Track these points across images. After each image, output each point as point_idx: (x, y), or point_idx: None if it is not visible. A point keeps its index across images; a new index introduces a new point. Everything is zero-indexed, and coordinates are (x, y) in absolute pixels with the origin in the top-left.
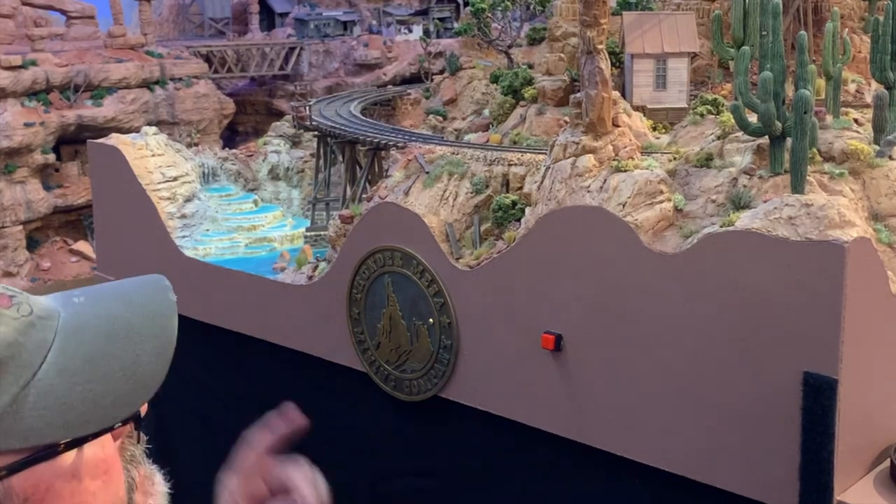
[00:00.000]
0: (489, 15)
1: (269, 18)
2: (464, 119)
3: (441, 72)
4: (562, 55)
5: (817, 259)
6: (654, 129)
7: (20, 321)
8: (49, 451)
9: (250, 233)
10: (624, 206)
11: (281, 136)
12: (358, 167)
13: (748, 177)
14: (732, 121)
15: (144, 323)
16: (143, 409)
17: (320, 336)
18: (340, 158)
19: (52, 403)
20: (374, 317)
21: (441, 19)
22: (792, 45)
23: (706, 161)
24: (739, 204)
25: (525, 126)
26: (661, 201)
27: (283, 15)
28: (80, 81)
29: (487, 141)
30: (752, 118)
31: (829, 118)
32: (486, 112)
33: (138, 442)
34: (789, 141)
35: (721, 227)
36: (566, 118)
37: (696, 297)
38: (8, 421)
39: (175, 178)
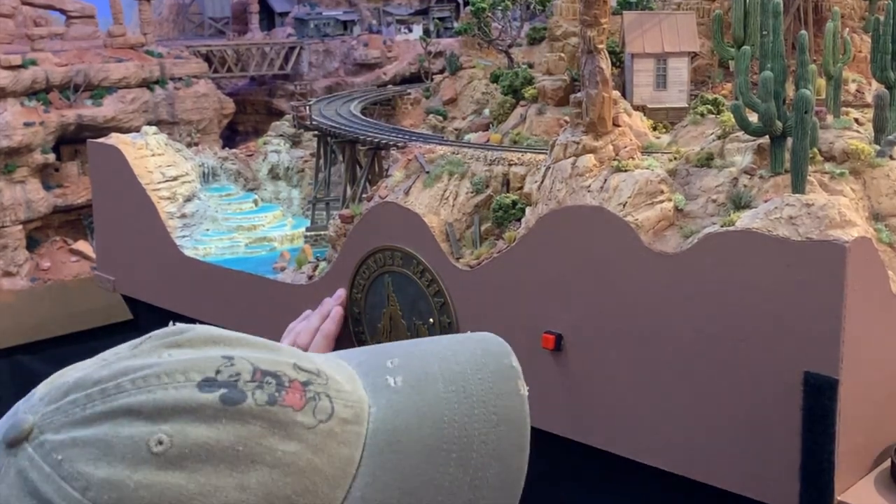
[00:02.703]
0: (489, 14)
1: (269, 18)
2: (464, 119)
3: (441, 71)
4: (562, 55)
5: (818, 259)
6: (655, 128)
7: (317, 433)
8: None
9: (250, 232)
10: (624, 205)
11: (281, 135)
12: (358, 167)
13: (749, 176)
14: (733, 120)
15: (485, 434)
16: None
17: None
18: (340, 158)
19: None
20: (374, 317)
21: (441, 19)
22: (792, 45)
23: (706, 161)
24: (740, 204)
25: (525, 126)
26: (662, 201)
27: (283, 14)
28: (79, 81)
29: (488, 141)
30: (753, 118)
31: (829, 118)
32: (487, 112)
33: None
34: (790, 141)
35: (721, 226)
36: (566, 118)
37: (697, 296)
38: None
39: (175, 178)
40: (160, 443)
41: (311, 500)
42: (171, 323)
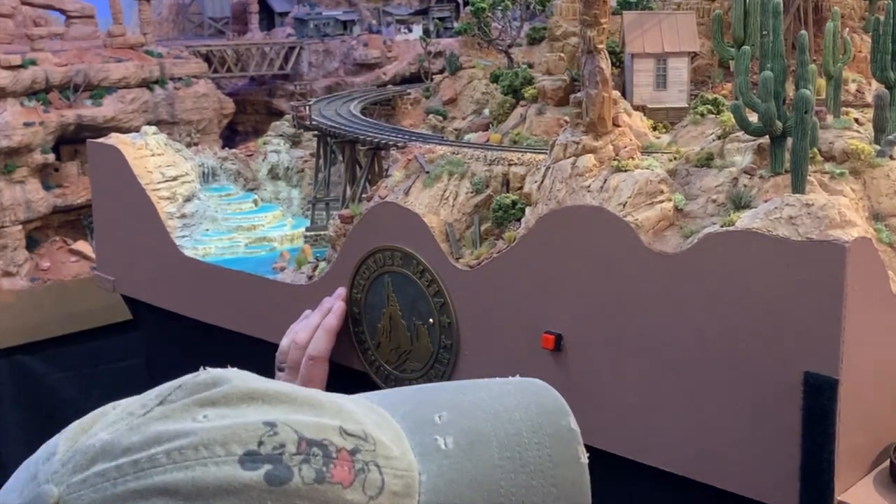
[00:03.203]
0: (489, 14)
1: (269, 18)
2: (464, 119)
3: (441, 71)
4: (562, 55)
5: (818, 259)
6: (655, 128)
7: (382, 490)
8: None
9: (250, 232)
10: (624, 205)
11: (281, 135)
12: (358, 167)
13: (749, 176)
14: (733, 120)
15: (542, 499)
16: None
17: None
18: (340, 158)
19: None
20: (374, 317)
21: (441, 19)
22: (792, 45)
23: (706, 161)
24: (740, 204)
25: (525, 126)
26: (662, 201)
27: (283, 14)
28: (79, 81)
29: (487, 141)
30: (753, 118)
31: (829, 118)
32: (486, 112)
33: None
34: (790, 141)
35: (721, 226)
36: (566, 118)
37: (696, 296)
38: None
39: (175, 178)
40: None
41: None
42: (201, 368)
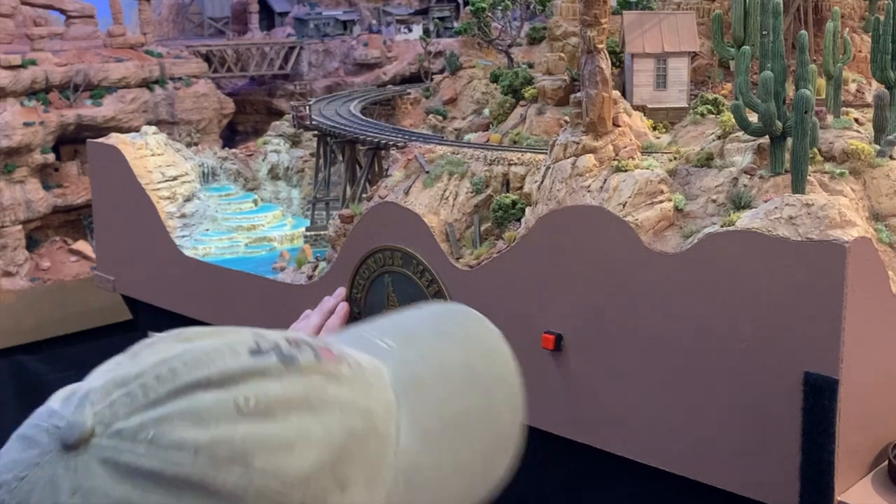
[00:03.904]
0: (489, 14)
1: (269, 18)
2: (464, 119)
3: (441, 71)
4: (562, 55)
5: (818, 259)
6: (655, 128)
7: (359, 381)
8: None
9: (250, 232)
10: (624, 205)
11: (281, 135)
12: (358, 167)
13: (749, 176)
14: (733, 120)
15: (483, 363)
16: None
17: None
18: (340, 158)
19: (427, 483)
20: (374, 317)
21: (441, 19)
22: (792, 45)
23: (706, 161)
24: (740, 204)
25: (525, 126)
26: (662, 201)
27: (283, 14)
28: (79, 81)
29: (487, 140)
30: (753, 118)
31: (829, 118)
32: (486, 112)
33: None
34: (790, 141)
35: (721, 226)
36: (566, 118)
37: (696, 297)
38: None
39: (175, 178)
40: (246, 400)
41: (376, 437)
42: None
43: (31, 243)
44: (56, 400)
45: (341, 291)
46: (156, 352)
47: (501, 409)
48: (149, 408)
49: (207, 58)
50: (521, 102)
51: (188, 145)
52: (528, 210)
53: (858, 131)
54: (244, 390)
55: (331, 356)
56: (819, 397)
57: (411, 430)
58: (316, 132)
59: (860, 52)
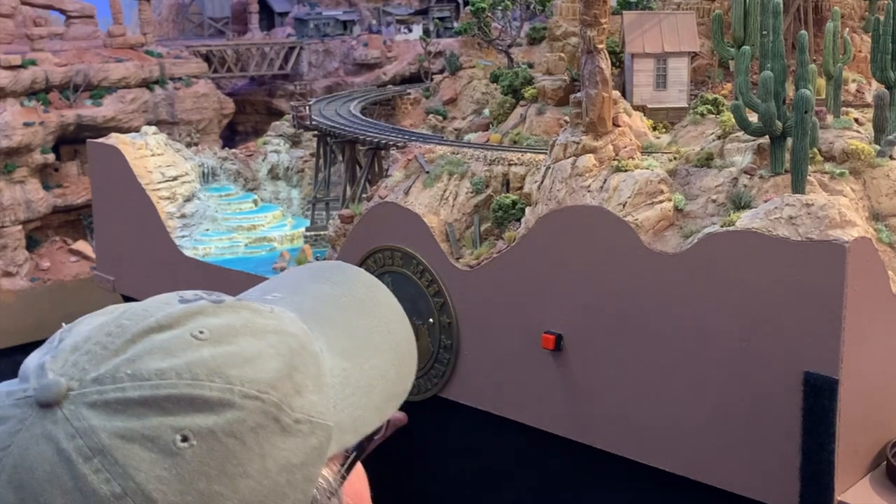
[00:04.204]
0: (489, 14)
1: (269, 18)
2: (464, 119)
3: (441, 71)
4: (562, 55)
5: (818, 259)
6: (655, 128)
7: (275, 314)
8: (363, 444)
9: (250, 232)
10: (624, 205)
11: (281, 135)
12: (358, 167)
13: (749, 176)
14: (733, 120)
15: (370, 296)
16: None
17: None
18: (340, 158)
19: (358, 389)
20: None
21: (441, 19)
22: (792, 45)
23: (706, 161)
24: (740, 204)
25: (525, 126)
26: (662, 201)
27: (283, 14)
28: (79, 81)
29: (487, 141)
30: (753, 118)
31: (829, 118)
32: (486, 112)
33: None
34: (790, 141)
35: (721, 226)
36: (566, 118)
37: (697, 296)
38: (335, 416)
39: (175, 178)
40: (201, 332)
41: (310, 354)
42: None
43: (31, 243)
44: (3, 386)
45: None
46: (91, 322)
47: (395, 327)
48: (114, 356)
49: (207, 58)
50: (521, 102)
51: (188, 145)
52: (528, 210)
53: (858, 131)
54: (192, 326)
55: (255, 304)
56: (819, 397)
57: (329, 350)
58: (316, 132)
59: (860, 52)
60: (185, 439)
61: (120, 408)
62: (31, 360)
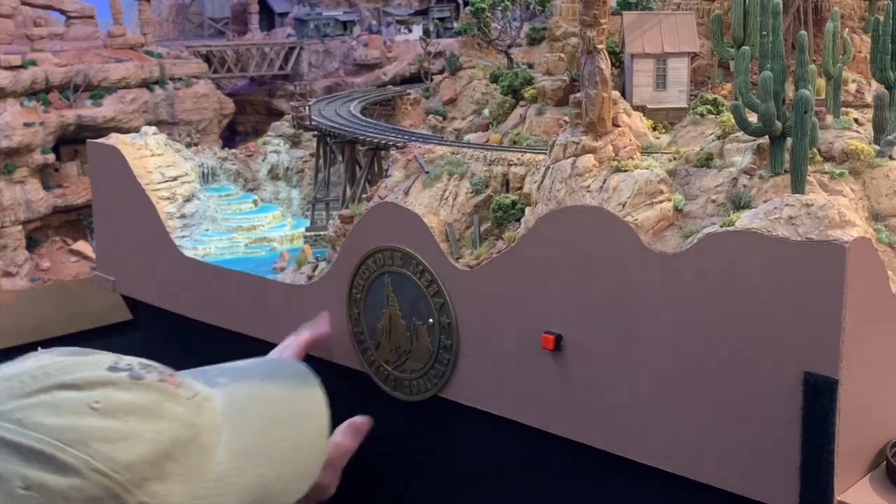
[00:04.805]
0: (489, 15)
1: (269, 18)
2: (464, 119)
3: (441, 72)
4: (562, 55)
5: (817, 259)
6: (654, 128)
7: (192, 403)
8: None
9: (250, 233)
10: (624, 205)
11: (281, 135)
12: (358, 167)
13: (748, 177)
14: (732, 121)
15: (300, 405)
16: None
17: None
18: (340, 158)
19: (229, 490)
20: (373, 317)
21: (441, 19)
22: (792, 45)
23: (706, 161)
24: (739, 204)
25: (525, 126)
26: (661, 201)
27: (283, 15)
28: (79, 81)
29: (487, 141)
30: (753, 118)
31: (829, 118)
32: (486, 112)
33: None
34: (789, 141)
35: (721, 227)
36: (566, 118)
37: (697, 297)
38: None
39: (175, 178)
40: (97, 402)
41: (199, 447)
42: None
43: (32, 243)
44: None
45: (326, 316)
46: (37, 359)
47: (306, 448)
48: (24, 397)
49: (207, 58)
50: (521, 103)
51: (188, 146)
52: (527, 210)
53: (858, 131)
54: (95, 394)
55: (173, 381)
56: (819, 397)
57: (228, 447)
58: (316, 132)
59: (860, 52)
60: (27, 488)
61: (1, 444)
62: None
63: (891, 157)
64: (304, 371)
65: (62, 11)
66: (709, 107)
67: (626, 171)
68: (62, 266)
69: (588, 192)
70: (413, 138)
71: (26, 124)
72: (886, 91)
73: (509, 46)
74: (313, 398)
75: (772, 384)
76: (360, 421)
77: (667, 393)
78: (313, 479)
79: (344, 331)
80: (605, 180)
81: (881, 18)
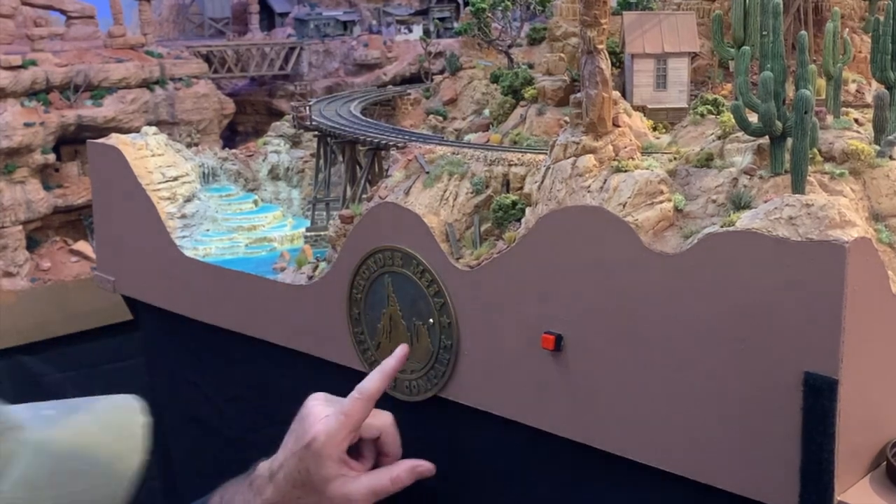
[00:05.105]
0: (489, 15)
1: (269, 18)
2: (464, 119)
3: (441, 72)
4: (562, 55)
5: (818, 259)
6: (655, 129)
7: (2, 435)
8: None
9: (250, 233)
10: (624, 206)
11: (281, 136)
12: (358, 167)
13: (748, 177)
14: (733, 121)
15: (112, 443)
16: None
17: (320, 336)
18: (340, 158)
19: None
20: (374, 317)
21: (441, 19)
22: (792, 45)
23: (706, 161)
24: (740, 204)
25: (525, 126)
26: (662, 201)
27: (283, 15)
28: (80, 81)
29: (488, 141)
30: (753, 118)
31: (829, 118)
32: (487, 112)
33: None
34: (790, 141)
35: (721, 227)
36: (566, 118)
37: (697, 297)
38: None
39: (175, 178)
40: None
41: None
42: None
43: (32, 244)
44: None
45: (405, 347)
46: None
47: (108, 482)
48: None
49: (207, 58)
50: (522, 103)
51: (188, 146)
52: (528, 210)
53: (858, 132)
54: None
55: None
56: (819, 397)
57: (17, 478)
58: (316, 132)
59: (860, 52)
60: None
61: None
62: None
63: (891, 158)
64: (134, 413)
65: (62, 11)
66: (709, 107)
67: (626, 171)
68: (62, 266)
69: (588, 192)
70: (413, 138)
71: (27, 124)
72: (886, 91)
73: (510, 46)
74: (130, 441)
75: (771, 384)
76: (426, 467)
77: (667, 393)
78: None
79: (344, 331)
80: (605, 180)
81: (881, 18)
